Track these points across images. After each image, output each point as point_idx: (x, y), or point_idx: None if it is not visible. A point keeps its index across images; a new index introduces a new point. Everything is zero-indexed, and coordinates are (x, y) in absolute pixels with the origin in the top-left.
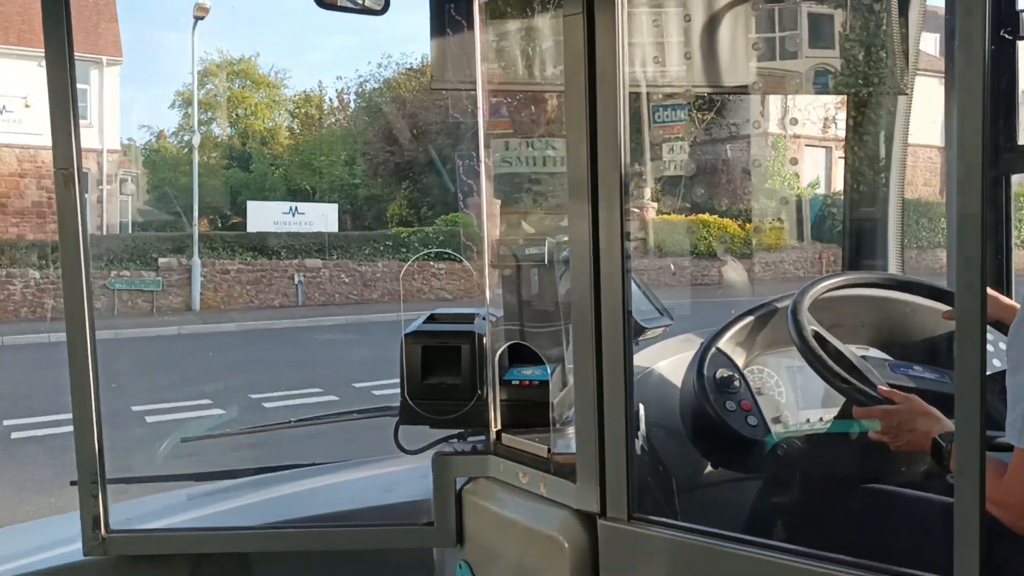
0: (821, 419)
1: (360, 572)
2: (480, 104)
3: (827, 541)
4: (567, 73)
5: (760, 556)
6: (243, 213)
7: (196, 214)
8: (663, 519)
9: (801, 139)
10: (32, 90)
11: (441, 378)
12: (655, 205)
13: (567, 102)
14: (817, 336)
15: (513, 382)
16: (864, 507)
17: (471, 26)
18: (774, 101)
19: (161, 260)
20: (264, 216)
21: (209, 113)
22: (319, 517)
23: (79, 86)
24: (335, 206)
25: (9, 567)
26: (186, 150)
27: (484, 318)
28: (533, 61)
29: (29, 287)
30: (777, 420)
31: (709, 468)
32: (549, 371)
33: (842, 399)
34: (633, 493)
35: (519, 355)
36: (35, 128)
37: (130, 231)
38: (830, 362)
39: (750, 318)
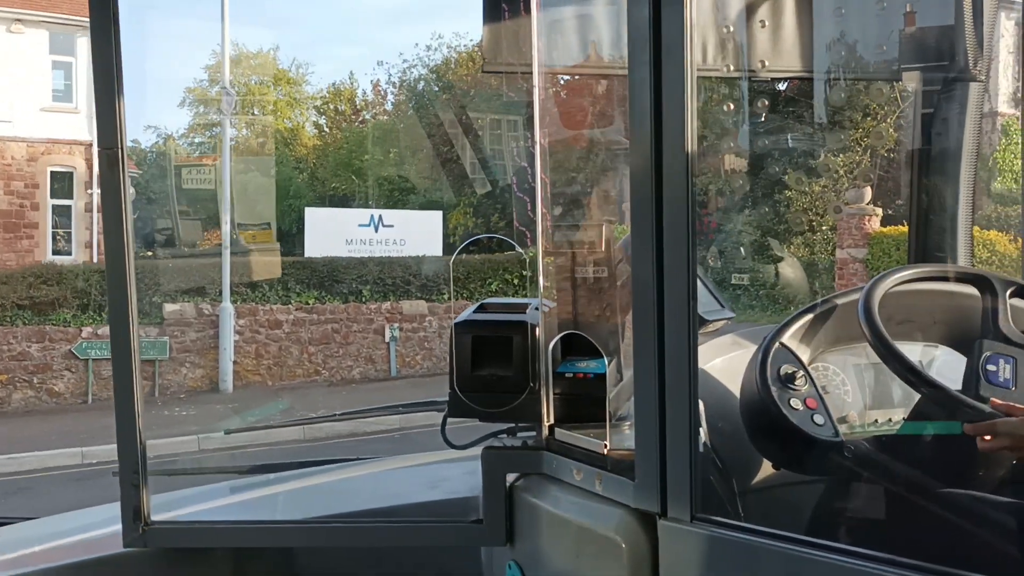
0: (890, 420)
1: (404, 569)
2: (536, 85)
3: (899, 547)
4: (630, 50)
5: (834, 561)
6: (281, 224)
7: (228, 226)
8: (728, 520)
9: None
10: None
11: (492, 370)
12: (879, 212)
13: (631, 81)
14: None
15: (567, 375)
16: (942, 513)
17: (527, 4)
18: (1003, 67)
19: (168, 307)
20: (330, 231)
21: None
22: (364, 512)
23: (61, 58)
24: (439, 214)
25: (49, 555)
26: (197, 153)
27: (537, 308)
28: (593, 40)
29: None
30: (843, 420)
31: (765, 470)
32: (605, 364)
33: (911, 399)
34: (697, 493)
35: (573, 347)
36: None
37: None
38: (907, 359)
39: (814, 313)
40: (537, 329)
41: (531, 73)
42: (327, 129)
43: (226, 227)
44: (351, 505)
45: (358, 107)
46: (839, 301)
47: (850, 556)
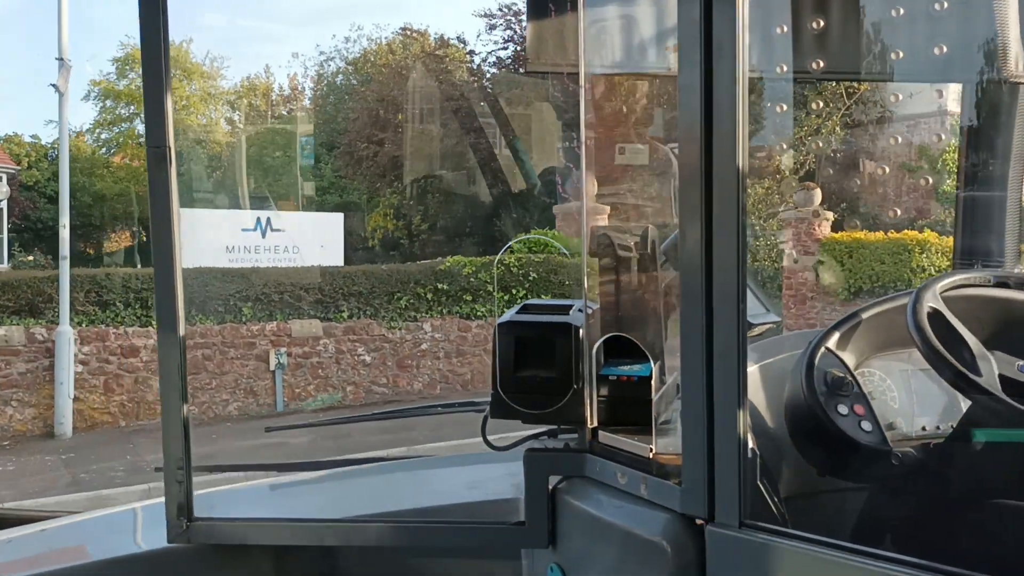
0: (938, 427)
1: (445, 570)
2: (583, 87)
3: (948, 557)
4: (680, 51)
5: (887, 571)
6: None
7: (67, 231)
8: (778, 527)
9: None
10: None
11: (534, 371)
12: (830, 217)
13: (680, 83)
14: (938, 324)
15: (611, 377)
16: (993, 523)
17: (574, 3)
18: None
19: None
20: (207, 237)
21: (133, 107)
22: (405, 512)
23: None
24: (339, 216)
25: (92, 551)
26: (103, 149)
27: (580, 309)
28: (643, 40)
29: None
30: (890, 427)
31: (806, 476)
32: (651, 367)
33: (961, 406)
34: (746, 498)
35: (616, 349)
36: None
37: (5, 262)
38: (958, 365)
39: (860, 318)
40: (580, 331)
41: (577, 74)
42: (240, 125)
43: (64, 231)
44: (392, 505)
45: (273, 102)
46: (885, 306)
47: (903, 566)
